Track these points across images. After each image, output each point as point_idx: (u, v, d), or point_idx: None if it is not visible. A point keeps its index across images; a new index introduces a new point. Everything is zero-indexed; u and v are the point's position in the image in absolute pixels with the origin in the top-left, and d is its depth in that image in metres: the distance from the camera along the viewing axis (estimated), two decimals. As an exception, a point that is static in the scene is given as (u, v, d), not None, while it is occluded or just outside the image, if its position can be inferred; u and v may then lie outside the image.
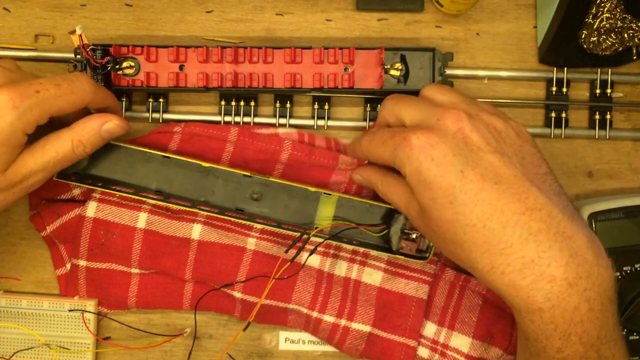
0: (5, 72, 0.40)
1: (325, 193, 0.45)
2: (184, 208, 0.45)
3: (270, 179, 0.44)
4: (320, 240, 0.45)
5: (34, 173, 0.41)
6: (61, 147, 0.41)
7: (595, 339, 0.35)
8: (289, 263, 0.43)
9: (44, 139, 0.41)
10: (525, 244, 0.35)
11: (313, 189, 0.44)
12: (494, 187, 0.36)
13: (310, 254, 0.45)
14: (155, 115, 0.48)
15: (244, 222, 0.46)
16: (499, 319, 0.47)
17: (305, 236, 0.44)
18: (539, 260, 0.35)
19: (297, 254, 0.44)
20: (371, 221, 0.45)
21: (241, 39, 0.50)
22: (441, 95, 0.40)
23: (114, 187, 0.45)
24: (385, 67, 0.44)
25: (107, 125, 0.42)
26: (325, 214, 0.46)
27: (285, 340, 0.50)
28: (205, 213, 0.46)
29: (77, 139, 0.41)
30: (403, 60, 0.44)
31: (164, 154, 0.45)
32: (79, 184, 0.46)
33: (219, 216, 0.46)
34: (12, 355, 0.47)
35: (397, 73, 0.44)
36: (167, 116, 0.49)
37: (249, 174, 0.45)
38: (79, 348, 0.48)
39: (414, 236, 0.45)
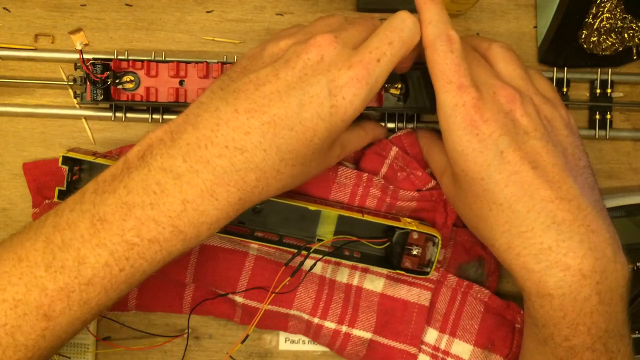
0: (343, 41, 0.36)
1: (324, 210, 0.44)
2: None
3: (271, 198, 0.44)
4: (321, 254, 0.45)
5: (344, 153, 0.43)
6: (366, 140, 0.45)
7: (603, 332, 0.35)
8: (288, 278, 0.43)
9: (363, 128, 0.44)
10: (547, 231, 0.35)
11: (313, 207, 0.44)
12: (530, 171, 0.36)
13: (311, 267, 0.45)
14: (156, 116, 0.48)
15: (246, 240, 0.45)
16: (500, 326, 0.47)
17: (306, 251, 0.43)
18: (557, 248, 0.35)
19: (297, 270, 0.43)
20: (372, 237, 0.45)
21: (241, 39, 0.50)
22: (503, 63, 0.40)
23: None
24: (385, 85, 0.44)
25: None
26: (327, 229, 0.46)
27: (285, 340, 0.50)
28: None
29: (371, 137, 0.46)
30: (403, 79, 0.44)
31: None
32: None
33: (221, 235, 0.45)
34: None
35: (396, 92, 0.43)
36: (168, 116, 0.48)
37: None
38: (79, 349, 0.48)
39: (415, 252, 0.45)
